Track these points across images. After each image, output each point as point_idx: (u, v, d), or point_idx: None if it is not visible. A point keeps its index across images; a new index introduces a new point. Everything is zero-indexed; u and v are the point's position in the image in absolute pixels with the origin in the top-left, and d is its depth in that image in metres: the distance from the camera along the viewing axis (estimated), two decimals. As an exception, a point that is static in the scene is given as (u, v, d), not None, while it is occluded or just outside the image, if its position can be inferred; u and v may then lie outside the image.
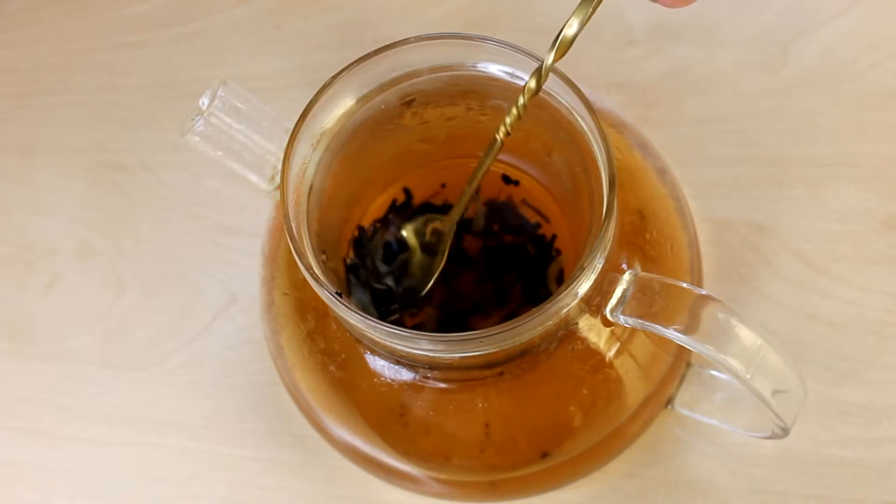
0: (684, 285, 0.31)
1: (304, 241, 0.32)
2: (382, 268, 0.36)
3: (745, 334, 0.31)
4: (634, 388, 0.37)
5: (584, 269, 0.29)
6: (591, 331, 0.34)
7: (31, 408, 0.50)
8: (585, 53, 0.50)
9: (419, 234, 0.38)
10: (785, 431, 0.34)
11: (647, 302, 0.31)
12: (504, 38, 0.33)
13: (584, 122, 0.32)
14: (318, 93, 0.32)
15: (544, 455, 0.37)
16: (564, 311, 0.30)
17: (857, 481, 0.41)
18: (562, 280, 0.39)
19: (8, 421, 0.50)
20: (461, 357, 0.31)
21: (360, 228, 0.36)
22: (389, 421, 0.36)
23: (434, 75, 0.34)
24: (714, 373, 0.40)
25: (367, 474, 0.40)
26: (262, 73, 0.53)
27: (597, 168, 0.31)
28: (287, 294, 0.38)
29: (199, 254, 0.50)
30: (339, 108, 0.34)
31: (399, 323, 0.38)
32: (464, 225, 0.40)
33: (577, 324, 0.33)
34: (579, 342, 0.34)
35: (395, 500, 0.44)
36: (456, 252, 0.40)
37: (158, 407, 0.48)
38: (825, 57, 0.47)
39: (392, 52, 0.33)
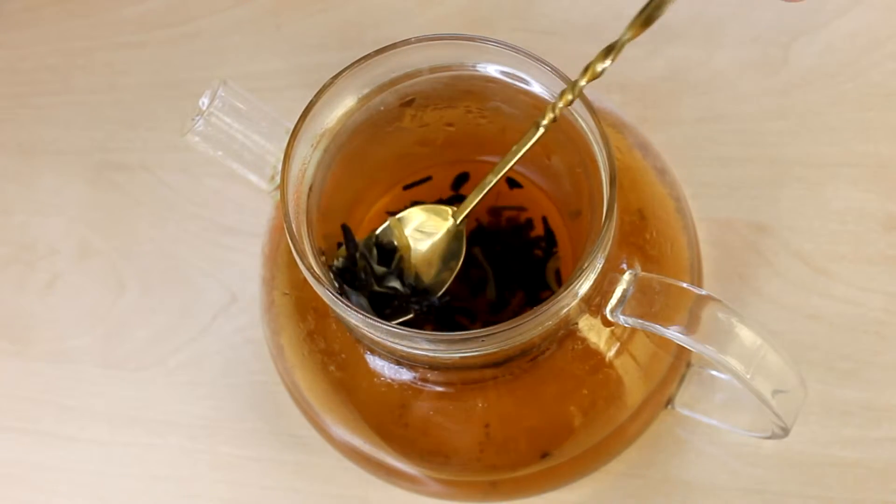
0: (684, 285, 0.31)
1: (305, 241, 0.32)
2: (380, 269, 0.35)
3: (745, 334, 0.31)
4: (634, 388, 0.37)
5: (584, 269, 0.29)
6: (591, 331, 0.34)
7: (31, 408, 0.50)
8: (585, 53, 0.50)
9: (417, 230, 0.37)
10: (785, 431, 0.34)
11: (647, 302, 0.31)
12: (504, 38, 0.32)
13: (585, 122, 0.32)
14: (318, 93, 0.32)
15: (544, 455, 0.37)
16: (564, 311, 0.30)
17: (857, 481, 0.41)
18: (561, 281, 0.39)
19: (8, 421, 0.50)
20: (461, 357, 0.31)
21: (346, 228, 0.35)
22: (389, 421, 0.36)
23: (434, 75, 0.34)
24: (714, 373, 0.40)
25: (367, 474, 0.40)
26: (262, 73, 0.53)
27: (597, 168, 0.31)
28: (287, 294, 0.38)
29: (199, 254, 0.50)
30: (340, 108, 0.34)
31: (409, 325, 0.37)
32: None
33: (577, 324, 0.33)
34: (579, 342, 0.34)
35: (395, 500, 0.44)
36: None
37: (158, 407, 0.48)
38: (825, 57, 0.47)
39: (392, 52, 0.33)
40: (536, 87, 0.33)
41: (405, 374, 0.35)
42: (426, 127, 0.38)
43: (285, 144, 0.36)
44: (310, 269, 0.30)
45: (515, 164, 0.32)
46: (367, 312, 0.33)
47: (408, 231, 0.36)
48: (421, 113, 0.36)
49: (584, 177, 0.33)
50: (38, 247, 0.53)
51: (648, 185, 0.38)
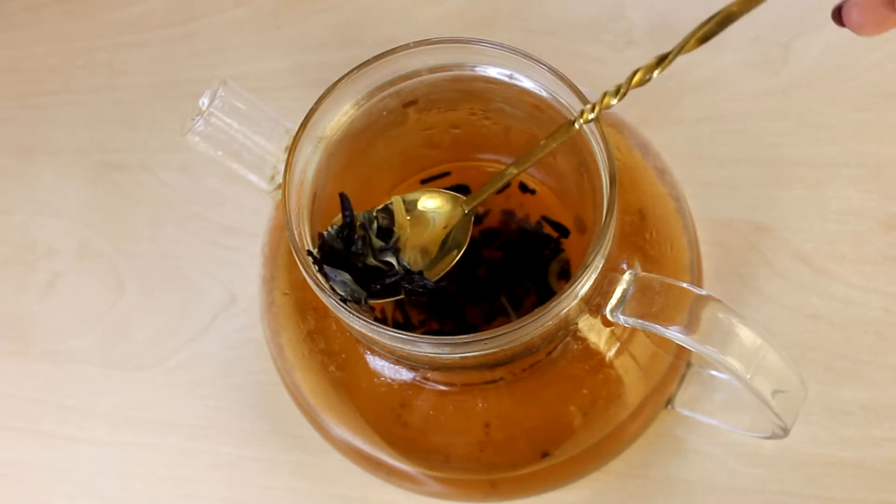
0: (684, 285, 0.31)
1: (306, 241, 0.32)
2: (378, 242, 0.34)
3: (745, 334, 0.31)
4: (634, 388, 0.37)
5: (585, 269, 0.29)
6: (591, 331, 0.34)
7: (31, 408, 0.50)
8: (585, 53, 0.50)
9: (419, 210, 0.35)
10: (785, 431, 0.34)
11: (647, 302, 0.31)
12: (504, 38, 0.32)
13: (585, 122, 0.32)
14: (318, 101, 0.32)
15: (544, 455, 0.37)
16: (564, 311, 0.30)
17: (857, 481, 0.41)
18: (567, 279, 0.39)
19: (8, 421, 0.50)
20: (461, 357, 0.31)
21: (343, 196, 0.34)
22: (389, 421, 0.36)
23: (434, 76, 0.34)
24: (714, 373, 0.40)
25: (367, 474, 0.40)
26: (262, 73, 0.53)
27: (597, 168, 0.31)
28: (287, 294, 0.38)
29: (199, 254, 0.50)
30: (340, 112, 0.34)
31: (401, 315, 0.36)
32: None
33: (577, 324, 0.33)
34: (579, 342, 0.34)
35: (395, 499, 0.44)
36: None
37: (158, 407, 0.48)
38: (825, 57, 0.47)
39: (392, 57, 0.33)
40: (537, 88, 0.33)
41: (405, 374, 0.35)
42: (432, 130, 0.38)
43: (286, 147, 0.36)
44: (309, 269, 0.30)
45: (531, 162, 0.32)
46: (352, 287, 0.32)
47: (414, 211, 0.35)
48: (425, 116, 0.36)
49: (587, 177, 0.33)
50: (38, 247, 0.53)
51: (648, 185, 0.38)
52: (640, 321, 0.31)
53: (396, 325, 0.39)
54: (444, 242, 0.34)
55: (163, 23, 0.56)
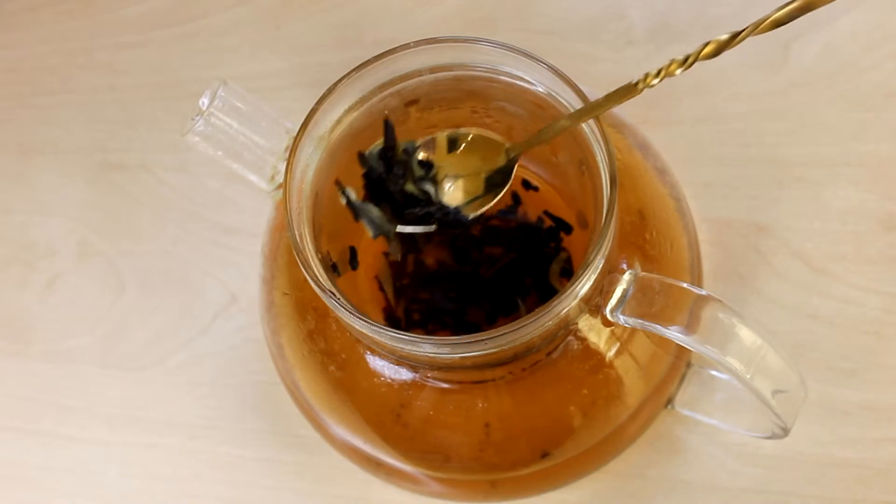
0: (684, 285, 0.31)
1: (306, 241, 0.32)
2: (418, 170, 0.33)
3: (746, 334, 0.31)
4: (634, 388, 0.37)
5: (585, 269, 0.29)
6: (591, 331, 0.34)
7: (31, 408, 0.50)
8: (585, 53, 0.50)
9: (462, 149, 0.34)
10: (785, 431, 0.34)
11: (647, 302, 0.31)
12: (504, 38, 0.33)
13: (585, 122, 0.32)
14: (319, 100, 0.32)
15: (544, 455, 0.37)
16: (565, 311, 0.30)
17: (857, 481, 0.41)
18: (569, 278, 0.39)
19: (8, 421, 0.50)
20: (462, 357, 0.31)
21: (387, 122, 0.33)
22: (389, 421, 0.36)
23: (435, 75, 0.34)
24: (714, 373, 0.40)
25: (367, 474, 0.40)
26: (262, 73, 0.53)
27: (598, 168, 0.31)
28: (287, 294, 0.38)
29: (199, 254, 0.50)
30: (341, 111, 0.34)
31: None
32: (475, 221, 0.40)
33: (577, 324, 0.33)
34: (579, 342, 0.34)
35: (395, 500, 0.44)
36: (461, 250, 0.40)
37: (158, 407, 0.48)
38: (825, 57, 0.47)
39: (392, 57, 0.33)
40: (538, 87, 0.33)
41: (405, 374, 0.35)
42: (433, 129, 0.38)
43: (286, 147, 0.36)
44: (309, 269, 0.30)
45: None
46: (379, 222, 0.32)
47: (456, 149, 0.34)
48: (426, 115, 0.36)
49: (588, 176, 0.33)
50: (38, 247, 0.53)
51: (648, 186, 0.38)
52: (640, 321, 0.31)
53: (396, 326, 0.39)
54: (483, 184, 0.33)
55: (163, 23, 0.56)
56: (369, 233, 0.33)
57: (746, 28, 0.27)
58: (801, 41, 0.48)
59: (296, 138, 0.32)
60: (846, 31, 0.48)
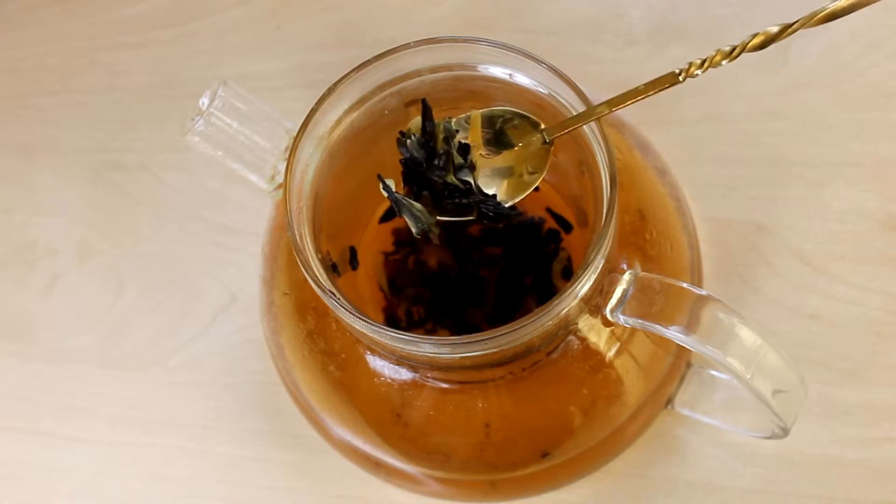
0: (684, 285, 0.31)
1: (306, 241, 0.32)
2: (458, 159, 0.32)
3: (746, 334, 0.31)
4: (634, 388, 0.37)
5: (585, 269, 0.29)
6: (591, 331, 0.34)
7: (31, 408, 0.50)
8: (585, 53, 0.50)
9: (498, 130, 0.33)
10: (785, 431, 0.34)
11: (647, 302, 0.31)
12: (504, 38, 0.32)
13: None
14: (319, 100, 0.32)
15: (544, 455, 0.37)
16: (565, 311, 0.30)
17: (857, 481, 0.41)
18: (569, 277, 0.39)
19: (8, 421, 0.50)
20: (462, 357, 0.31)
21: (424, 102, 0.32)
22: (389, 421, 0.36)
23: (435, 75, 0.34)
24: (714, 373, 0.40)
25: (367, 474, 0.40)
26: (262, 73, 0.53)
27: (598, 168, 0.31)
28: (287, 294, 0.38)
29: (199, 254, 0.50)
30: (341, 111, 0.34)
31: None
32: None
33: (577, 324, 0.33)
34: (579, 342, 0.34)
35: (395, 500, 0.44)
36: (461, 250, 0.40)
37: (158, 407, 0.48)
38: (825, 57, 0.47)
39: (392, 57, 0.33)
40: (538, 87, 0.33)
41: (405, 374, 0.35)
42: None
43: (286, 147, 0.36)
44: (309, 268, 0.30)
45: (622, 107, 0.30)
46: (424, 219, 0.31)
47: (492, 131, 0.33)
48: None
49: (588, 176, 0.33)
50: (38, 247, 0.53)
51: (648, 185, 0.38)
52: (640, 321, 0.31)
53: (396, 326, 0.39)
54: (521, 172, 0.33)
55: (163, 23, 0.56)
56: (412, 227, 0.32)
57: (798, 20, 0.27)
58: (801, 41, 0.48)
59: (296, 138, 0.32)
60: (846, 31, 0.48)
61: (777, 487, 0.42)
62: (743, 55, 0.49)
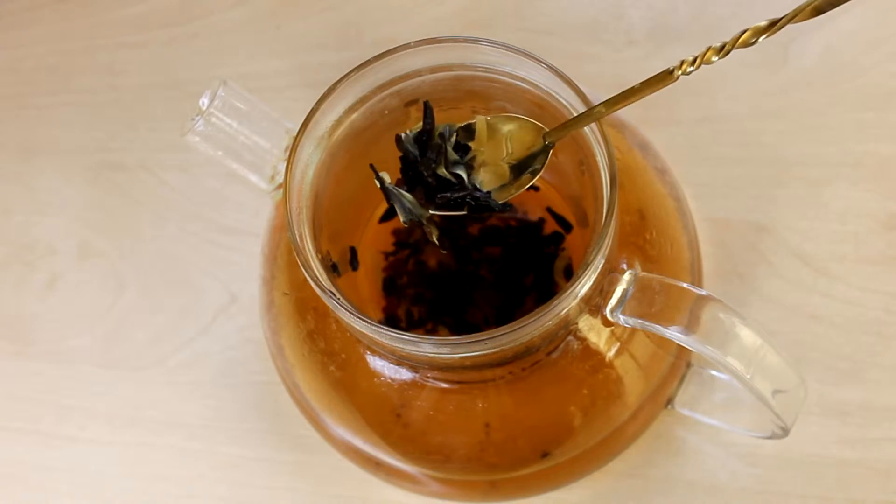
0: (684, 285, 0.31)
1: (306, 241, 0.32)
2: (453, 155, 0.33)
3: (746, 334, 0.31)
4: (634, 388, 0.37)
5: (585, 269, 0.29)
6: (591, 331, 0.34)
7: (31, 408, 0.50)
8: (585, 53, 0.50)
9: (499, 134, 0.34)
10: (785, 431, 0.34)
11: (647, 302, 0.31)
12: (504, 38, 0.32)
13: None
14: (319, 100, 0.32)
15: (544, 455, 0.37)
16: (565, 311, 0.30)
17: (857, 481, 0.41)
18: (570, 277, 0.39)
19: (8, 421, 0.50)
20: (462, 357, 0.31)
21: (427, 104, 0.33)
22: (389, 421, 0.36)
23: (435, 75, 0.34)
24: (714, 373, 0.40)
25: (367, 474, 0.40)
26: (262, 73, 0.53)
27: (598, 168, 0.31)
28: (287, 294, 0.38)
29: (199, 254, 0.50)
30: (341, 111, 0.34)
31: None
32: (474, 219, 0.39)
33: (577, 324, 0.33)
34: (579, 342, 0.34)
35: (395, 500, 0.44)
36: (461, 250, 0.40)
37: (158, 407, 0.48)
38: (825, 57, 0.47)
39: (392, 57, 0.33)
40: (538, 87, 0.33)
41: (405, 374, 0.35)
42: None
43: (286, 147, 0.36)
44: (309, 268, 0.30)
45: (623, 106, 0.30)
46: (415, 210, 0.32)
47: (494, 134, 0.33)
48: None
49: (588, 176, 0.33)
50: (38, 247, 0.53)
51: (648, 186, 0.38)
52: (640, 321, 0.31)
53: (396, 326, 0.39)
54: (517, 169, 0.33)
55: (163, 23, 0.56)
56: (400, 217, 0.32)
57: (786, 15, 0.27)
58: (800, 41, 0.48)
59: (296, 138, 0.32)
60: (846, 31, 0.48)
61: (777, 487, 0.42)
62: (743, 55, 0.49)
